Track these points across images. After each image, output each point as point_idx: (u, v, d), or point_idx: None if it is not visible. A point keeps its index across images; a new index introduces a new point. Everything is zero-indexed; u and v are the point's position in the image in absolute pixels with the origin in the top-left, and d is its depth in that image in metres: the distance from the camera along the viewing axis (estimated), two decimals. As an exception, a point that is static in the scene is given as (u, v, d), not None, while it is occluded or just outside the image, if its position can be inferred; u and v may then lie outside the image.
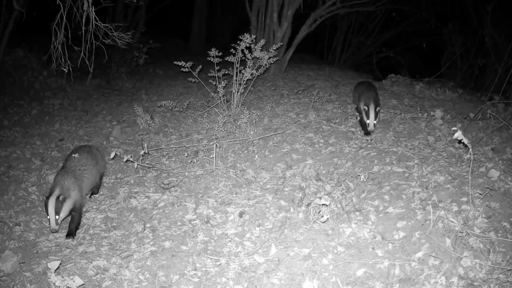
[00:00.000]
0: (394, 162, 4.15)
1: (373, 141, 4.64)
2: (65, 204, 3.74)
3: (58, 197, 3.70)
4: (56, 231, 3.76)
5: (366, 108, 4.69)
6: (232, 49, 5.58)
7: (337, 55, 12.89)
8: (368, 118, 4.69)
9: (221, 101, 5.84)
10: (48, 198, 3.72)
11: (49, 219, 3.70)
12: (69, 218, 3.97)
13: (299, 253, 3.19)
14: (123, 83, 8.95)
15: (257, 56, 5.60)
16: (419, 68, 11.10)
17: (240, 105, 5.96)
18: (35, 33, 9.61)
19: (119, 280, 3.18)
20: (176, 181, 4.58)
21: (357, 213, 3.54)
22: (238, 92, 5.82)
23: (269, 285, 2.93)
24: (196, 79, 5.63)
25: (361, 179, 3.97)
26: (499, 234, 3.02)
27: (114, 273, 3.26)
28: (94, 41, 5.27)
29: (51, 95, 8.00)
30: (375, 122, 4.68)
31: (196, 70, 5.57)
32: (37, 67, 8.55)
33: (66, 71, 5.29)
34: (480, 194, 3.37)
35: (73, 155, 4.21)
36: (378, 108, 4.71)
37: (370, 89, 5.04)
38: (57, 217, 3.69)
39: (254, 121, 5.55)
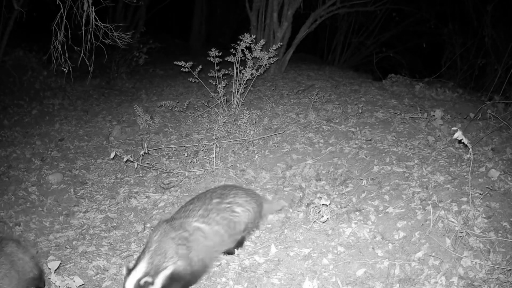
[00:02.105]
0: (394, 162, 4.15)
1: (372, 141, 4.64)
2: None
3: None
4: None
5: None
6: (232, 49, 5.58)
7: (337, 55, 12.89)
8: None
9: (221, 101, 5.84)
10: None
11: None
12: None
13: (299, 253, 3.19)
14: (123, 83, 8.95)
15: (257, 56, 5.60)
16: (419, 68, 11.09)
17: (240, 105, 5.96)
18: (35, 33, 9.61)
19: (119, 280, 3.18)
20: (176, 181, 4.58)
21: (357, 213, 3.54)
22: (238, 92, 5.82)
23: (269, 285, 2.93)
24: (196, 79, 5.63)
25: (361, 179, 3.97)
26: (499, 234, 3.02)
27: (114, 273, 3.26)
28: (94, 41, 5.27)
29: (51, 95, 8.00)
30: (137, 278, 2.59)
31: (196, 70, 5.57)
32: (37, 67, 8.56)
33: (66, 71, 5.30)
34: (480, 194, 3.38)
35: None
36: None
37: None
38: None
39: (254, 121, 5.55)
